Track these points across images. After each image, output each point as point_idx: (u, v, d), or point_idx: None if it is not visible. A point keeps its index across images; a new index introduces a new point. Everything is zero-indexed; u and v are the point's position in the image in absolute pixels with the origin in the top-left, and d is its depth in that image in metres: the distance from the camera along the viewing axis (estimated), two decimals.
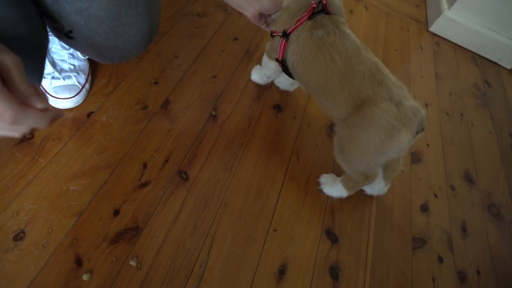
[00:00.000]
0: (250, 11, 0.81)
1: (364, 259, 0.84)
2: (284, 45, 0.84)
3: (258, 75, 1.07)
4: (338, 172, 0.97)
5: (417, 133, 0.74)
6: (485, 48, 1.67)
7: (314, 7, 0.79)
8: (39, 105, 0.39)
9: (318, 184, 0.93)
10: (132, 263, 0.68)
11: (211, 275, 0.71)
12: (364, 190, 0.95)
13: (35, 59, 0.58)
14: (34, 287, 0.61)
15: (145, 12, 0.63)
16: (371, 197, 0.96)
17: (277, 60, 0.89)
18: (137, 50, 0.68)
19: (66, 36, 0.63)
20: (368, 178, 0.85)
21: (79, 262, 0.65)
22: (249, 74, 1.10)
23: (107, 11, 0.59)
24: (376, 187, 0.93)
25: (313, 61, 0.78)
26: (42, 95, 0.40)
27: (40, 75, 0.61)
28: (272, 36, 0.88)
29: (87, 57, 0.89)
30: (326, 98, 0.81)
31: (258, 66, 1.08)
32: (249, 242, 0.78)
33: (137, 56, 0.72)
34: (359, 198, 0.94)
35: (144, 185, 0.78)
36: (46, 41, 0.62)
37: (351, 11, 1.60)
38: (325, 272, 0.79)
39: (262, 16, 0.85)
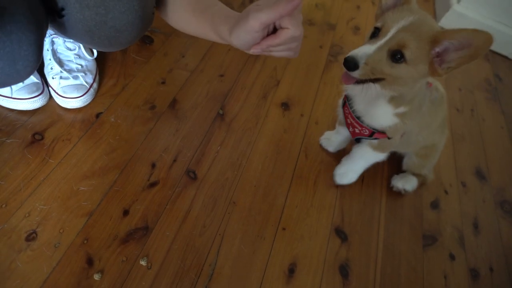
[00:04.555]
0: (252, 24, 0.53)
1: (374, 256, 0.84)
2: None
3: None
4: None
5: None
6: (496, 42, 1.61)
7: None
8: None
9: (397, 191, 0.97)
10: (143, 262, 0.68)
11: (221, 274, 0.71)
12: (402, 189, 0.97)
13: (34, 32, 0.60)
14: (47, 287, 0.62)
15: None
16: (380, 194, 0.95)
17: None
18: (128, 32, 0.68)
19: (58, 16, 0.64)
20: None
21: (90, 262, 0.66)
22: (256, 72, 1.10)
23: None
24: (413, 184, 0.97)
25: (434, 118, 0.84)
26: None
27: (39, 52, 0.63)
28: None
29: (94, 56, 0.89)
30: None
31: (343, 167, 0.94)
32: (258, 240, 0.78)
33: (129, 44, 0.71)
34: (368, 195, 0.94)
35: (153, 184, 0.78)
36: (44, 18, 0.64)
37: (358, 7, 1.58)
38: (335, 270, 0.79)
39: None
